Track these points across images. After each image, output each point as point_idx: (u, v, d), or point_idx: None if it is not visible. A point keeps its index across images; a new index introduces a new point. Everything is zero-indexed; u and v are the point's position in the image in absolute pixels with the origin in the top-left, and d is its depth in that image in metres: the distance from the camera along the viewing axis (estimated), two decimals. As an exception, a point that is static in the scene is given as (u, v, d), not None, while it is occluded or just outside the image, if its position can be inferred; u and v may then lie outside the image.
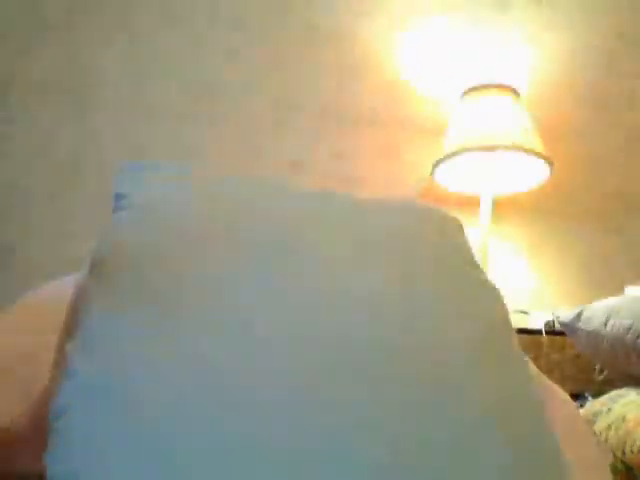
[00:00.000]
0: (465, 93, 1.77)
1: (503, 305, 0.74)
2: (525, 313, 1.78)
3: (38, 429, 0.58)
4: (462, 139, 1.66)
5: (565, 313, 1.28)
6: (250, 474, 0.47)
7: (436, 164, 1.73)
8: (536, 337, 1.57)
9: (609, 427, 0.98)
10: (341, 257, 0.68)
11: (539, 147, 1.66)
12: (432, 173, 1.78)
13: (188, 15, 1.94)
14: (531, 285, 1.89)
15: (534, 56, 2.01)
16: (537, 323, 1.68)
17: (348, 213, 0.77)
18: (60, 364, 0.59)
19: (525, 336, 1.57)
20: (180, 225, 0.67)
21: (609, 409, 1.03)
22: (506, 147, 1.61)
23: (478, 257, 1.66)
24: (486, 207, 1.69)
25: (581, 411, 1.12)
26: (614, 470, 0.93)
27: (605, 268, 1.91)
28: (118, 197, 0.73)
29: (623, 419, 0.96)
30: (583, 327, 1.19)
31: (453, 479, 0.51)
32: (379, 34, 1.98)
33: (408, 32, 1.99)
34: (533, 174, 1.76)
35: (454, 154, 1.66)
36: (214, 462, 0.47)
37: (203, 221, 0.68)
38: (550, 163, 1.67)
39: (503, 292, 1.97)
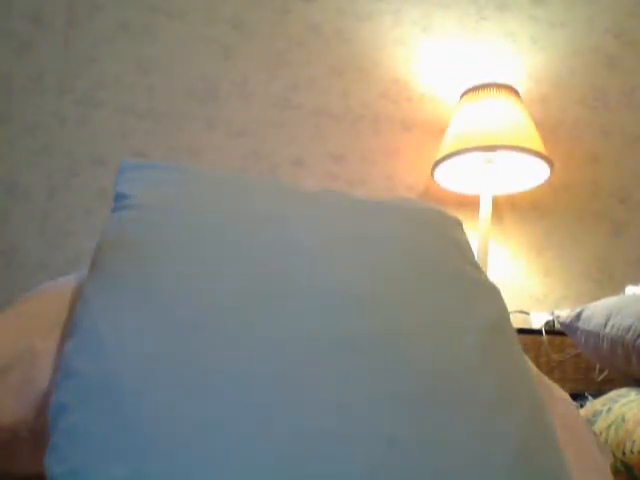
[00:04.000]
0: (465, 93, 1.77)
1: (503, 305, 0.74)
2: (525, 313, 1.78)
3: (38, 429, 0.58)
4: (462, 139, 1.66)
5: (565, 313, 1.28)
6: (249, 475, 0.47)
7: (436, 164, 1.73)
8: (536, 337, 1.57)
9: (609, 427, 0.98)
10: (340, 256, 0.68)
11: (539, 147, 1.66)
12: (432, 173, 1.78)
13: (188, 15, 1.94)
14: (531, 285, 1.89)
15: (534, 56, 2.01)
16: (537, 323, 1.68)
17: (347, 213, 0.77)
18: (60, 364, 0.59)
19: (525, 336, 1.57)
20: (180, 225, 0.67)
21: (609, 409, 1.03)
22: (506, 147, 1.61)
23: (478, 257, 1.66)
24: (486, 207, 1.69)
25: (581, 411, 1.12)
26: (614, 470, 0.93)
27: (605, 268, 1.91)
28: (118, 197, 0.73)
29: (623, 419, 0.96)
30: (583, 327, 1.19)
31: (455, 478, 0.51)
32: (379, 34, 1.98)
33: (408, 32, 1.99)
34: (533, 174, 1.76)
35: (454, 154, 1.66)
36: (214, 462, 0.47)
37: (203, 220, 0.68)
38: (550, 163, 1.67)
39: (503, 292, 1.96)
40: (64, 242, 1.78)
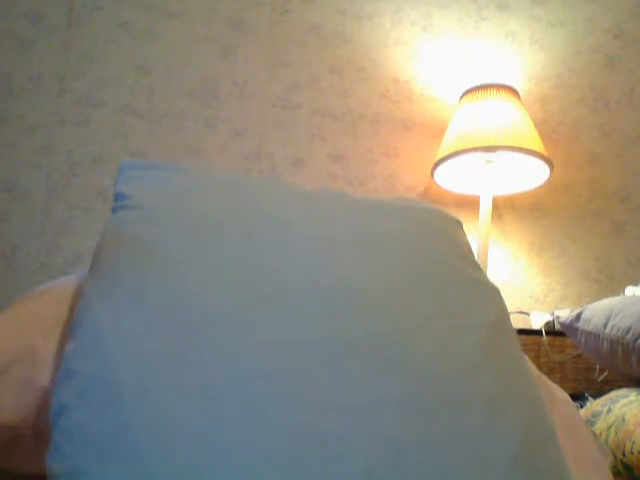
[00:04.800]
0: (465, 93, 1.77)
1: (503, 305, 0.74)
2: (525, 313, 1.78)
3: (39, 428, 0.58)
4: (462, 139, 1.66)
5: (565, 313, 1.28)
6: (248, 475, 0.47)
7: (436, 164, 1.73)
8: (536, 337, 1.57)
9: (609, 428, 0.98)
10: (340, 256, 0.68)
11: (539, 147, 1.66)
12: (432, 173, 1.78)
13: (187, 14, 1.94)
14: (531, 285, 1.89)
15: (534, 56, 2.01)
16: (537, 323, 1.68)
17: (347, 213, 0.77)
18: (60, 364, 0.59)
19: (525, 336, 1.57)
20: (180, 225, 0.67)
21: (609, 409, 1.03)
22: (506, 147, 1.61)
23: (478, 257, 1.66)
24: (486, 207, 1.69)
25: (581, 411, 1.12)
26: (613, 471, 0.93)
27: (605, 268, 1.91)
28: (119, 197, 0.73)
29: (623, 420, 0.96)
30: (583, 328, 1.19)
31: (454, 479, 0.51)
32: (379, 34, 1.98)
33: (408, 32, 1.99)
34: (533, 174, 1.77)
35: (454, 154, 1.66)
36: (213, 462, 0.47)
37: (203, 220, 0.68)
38: (550, 163, 1.67)
39: (503, 292, 1.96)
40: (64, 242, 1.78)
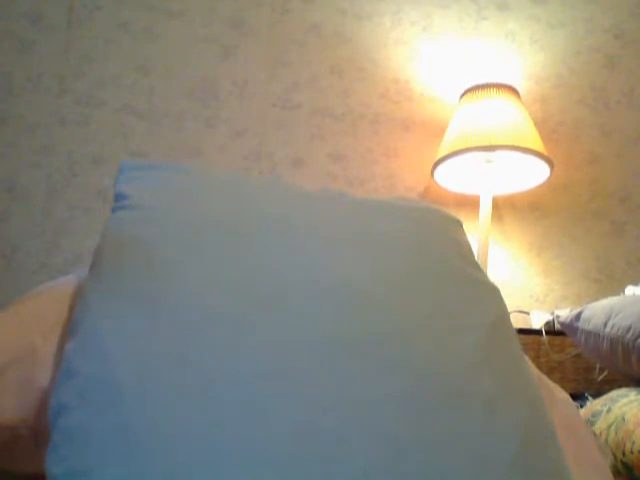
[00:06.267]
0: (465, 93, 1.77)
1: (503, 305, 0.74)
2: (525, 313, 1.78)
3: (39, 428, 0.58)
4: (462, 139, 1.66)
5: (565, 313, 1.28)
6: (248, 475, 0.47)
7: (436, 164, 1.73)
8: (536, 337, 1.57)
9: (609, 427, 0.98)
10: (341, 256, 0.68)
11: (539, 147, 1.66)
12: (432, 173, 1.78)
13: (187, 14, 1.94)
14: (531, 285, 1.89)
15: (534, 56, 2.01)
16: (537, 323, 1.68)
17: (348, 213, 0.77)
18: (60, 364, 0.59)
19: (525, 336, 1.57)
20: (180, 225, 0.67)
21: (609, 409, 1.03)
22: (506, 147, 1.61)
23: (478, 257, 1.66)
24: (486, 207, 1.69)
25: (581, 411, 1.12)
26: (613, 471, 0.93)
27: (605, 268, 1.91)
28: (119, 197, 0.73)
29: (623, 419, 0.96)
30: (583, 327, 1.19)
31: (453, 479, 0.51)
32: (379, 34, 1.98)
33: (408, 32, 1.99)
34: (533, 174, 1.76)
35: (454, 154, 1.66)
36: (213, 462, 0.47)
37: (203, 220, 0.68)
38: (550, 163, 1.67)
39: (503, 292, 1.96)
40: (64, 242, 1.78)
